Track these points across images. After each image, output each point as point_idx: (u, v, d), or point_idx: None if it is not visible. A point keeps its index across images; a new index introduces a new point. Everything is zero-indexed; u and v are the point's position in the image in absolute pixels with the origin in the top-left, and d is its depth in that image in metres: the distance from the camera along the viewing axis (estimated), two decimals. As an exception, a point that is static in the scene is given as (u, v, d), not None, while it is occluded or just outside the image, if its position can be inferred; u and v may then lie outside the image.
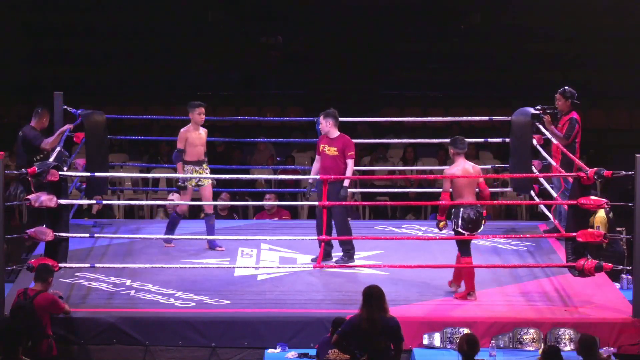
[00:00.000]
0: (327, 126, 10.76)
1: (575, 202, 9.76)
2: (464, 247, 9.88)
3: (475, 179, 9.88)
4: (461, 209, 9.76)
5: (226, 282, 10.19)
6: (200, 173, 11.03)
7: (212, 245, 11.24)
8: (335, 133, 10.78)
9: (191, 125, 11.14)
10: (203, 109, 11.14)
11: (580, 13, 19.86)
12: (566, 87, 11.48)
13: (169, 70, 19.68)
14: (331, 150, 10.74)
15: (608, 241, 10.22)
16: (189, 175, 10.92)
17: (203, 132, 11.20)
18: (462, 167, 9.89)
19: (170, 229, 11.16)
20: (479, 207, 9.81)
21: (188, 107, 11.15)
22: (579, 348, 7.99)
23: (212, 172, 14.56)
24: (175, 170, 11.21)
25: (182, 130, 11.11)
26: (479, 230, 9.86)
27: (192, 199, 11.26)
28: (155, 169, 15.89)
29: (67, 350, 9.15)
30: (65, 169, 10.69)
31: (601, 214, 11.02)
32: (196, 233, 11.82)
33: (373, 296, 8.02)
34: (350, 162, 10.68)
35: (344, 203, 10.42)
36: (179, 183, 10.96)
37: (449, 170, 9.95)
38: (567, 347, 9.04)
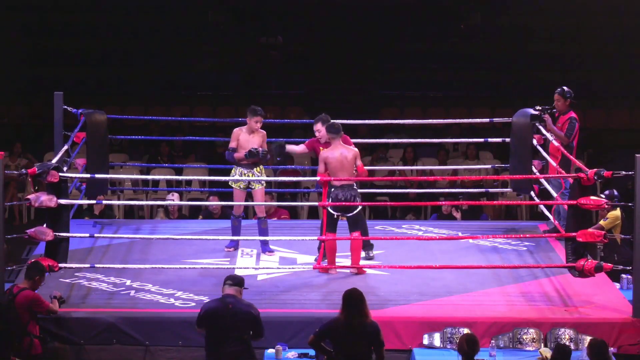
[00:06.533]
0: (325, 134, 10.80)
1: (575, 202, 9.77)
2: (329, 225, 10.34)
3: (350, 163, 10.41)
4: (332, 190, 10.32)
5: (226, 282, 10.18)
6: (249, 176, 10.96)
7: (263, 249, 11.14)
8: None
9: (245, 127, 11.00)
10: (261, 119, 10.93)
11: (580, 13, 19.86)
12: (564, 87, 11.54)
13: (169, 70, 19.68)
14: None
15: (622, 240, 10.37)
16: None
17: (258, 135, 10.97)
18: (338, 151, 10.41)
19: (235, 233, 11.06)
20: (353, 191, 10.33)
21: (248, 111, 10.95)
22: (590, 352, 7.97)
23: (212, 172, 14.64)
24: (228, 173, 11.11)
25: (235, 129, 11.01)
26: (351, 214, 10.34)
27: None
28: (155, 169, 15.91)
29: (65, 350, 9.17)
30: (65, 169, 10.69)
31: (617, 211, 11.08)
32: (196, 233, 11.82)
33: (352, 300, 8.00)
34: None
35: (340, 204, 10.41)
36: (253, 151, 10.82)
37: (323, 153, 10.49)
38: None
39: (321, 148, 10.97)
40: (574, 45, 19.79)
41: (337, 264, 10.52)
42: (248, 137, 10.94)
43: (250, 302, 8.48)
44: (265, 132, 11.05)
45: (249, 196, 11.42)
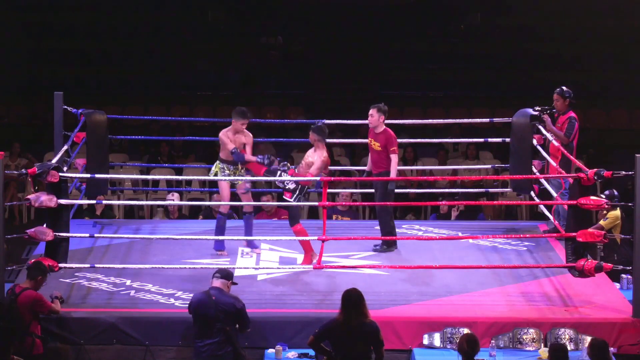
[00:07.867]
0: (377, 120, 10.94)
1: (575, 202, 9.77)
2: (295, 217, 10.63)
3: (326, 167, 10.76)
4: (306, 187, 10.61)
5: (226, 282, 10.18)
6: (234, 173, 10.94)
7: (251, 245, 11.15)
8: (381, 128, 11.03)
9: (231, 128, 10.94)
10: (246, 122, 10.89)
11: (580, 13, 19.87)
12: (563, 87, 11.56)
13: (169, 70, 19.69)
14: (375, 145, 11.04)
15: (620, 240, 10.38)
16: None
17: (244, 136, 10.92)
18: (326, 155, 10.70)
19: (220, 232, 10.99)
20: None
21: (233, 112, 10.88)
22: (591, 352, 7.97)
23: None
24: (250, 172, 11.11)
25: (221, 134, 10.88)
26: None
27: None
28: (155, 169, 15.91)
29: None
30: (65, 169, 10.69)
31: (617, 211, 11.09)
32: (196, 233, 11.82)
33: (351, 300, 8.02)
34: (394, 157, 10.99)
35: (349, 203, 10.44)
36: (265, 162, 10.82)
37: (322, 157, 10.63)
38: (568, 347, 9.02)
39: (370, 140, 11.07)
40: (574, 45, 19.80)
41: (337, 264, 10.53)
42: (234, 137, 10.89)
43: (236, 296, 8.68)
44: (250, 134, 11.00)
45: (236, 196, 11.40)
